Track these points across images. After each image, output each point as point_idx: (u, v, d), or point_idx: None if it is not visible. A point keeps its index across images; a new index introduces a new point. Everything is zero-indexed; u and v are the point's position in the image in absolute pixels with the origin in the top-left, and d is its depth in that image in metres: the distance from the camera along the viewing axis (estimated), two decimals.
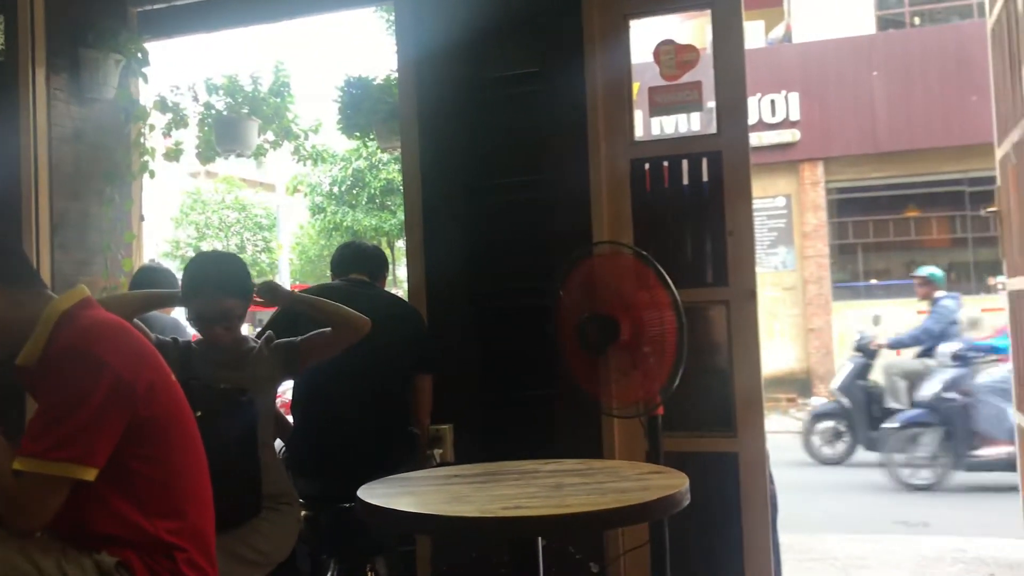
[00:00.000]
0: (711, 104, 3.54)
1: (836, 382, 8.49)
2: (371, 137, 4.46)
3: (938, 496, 6.88)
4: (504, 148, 3.60)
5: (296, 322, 2.98)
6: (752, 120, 13.52)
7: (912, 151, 13.19)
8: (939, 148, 12.90)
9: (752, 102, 13.57)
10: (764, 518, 3.33)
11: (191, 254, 21.24)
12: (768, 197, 13.86)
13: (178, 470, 1.94)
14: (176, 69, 5.93)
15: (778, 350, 13.32)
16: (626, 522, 2.59)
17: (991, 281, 10.48)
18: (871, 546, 5.00)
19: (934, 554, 4.81)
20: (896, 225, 14.28)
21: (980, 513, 6.17)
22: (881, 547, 4.98)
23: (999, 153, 4.15)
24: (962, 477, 7.02)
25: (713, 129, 3.49)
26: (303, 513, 2.86)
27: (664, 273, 2.79)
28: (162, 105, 4.47)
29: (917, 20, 14.79)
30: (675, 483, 2.02)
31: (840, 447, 8.35)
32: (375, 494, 2.01)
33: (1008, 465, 6.08)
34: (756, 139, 13.47)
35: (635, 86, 3.89)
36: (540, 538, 2.03)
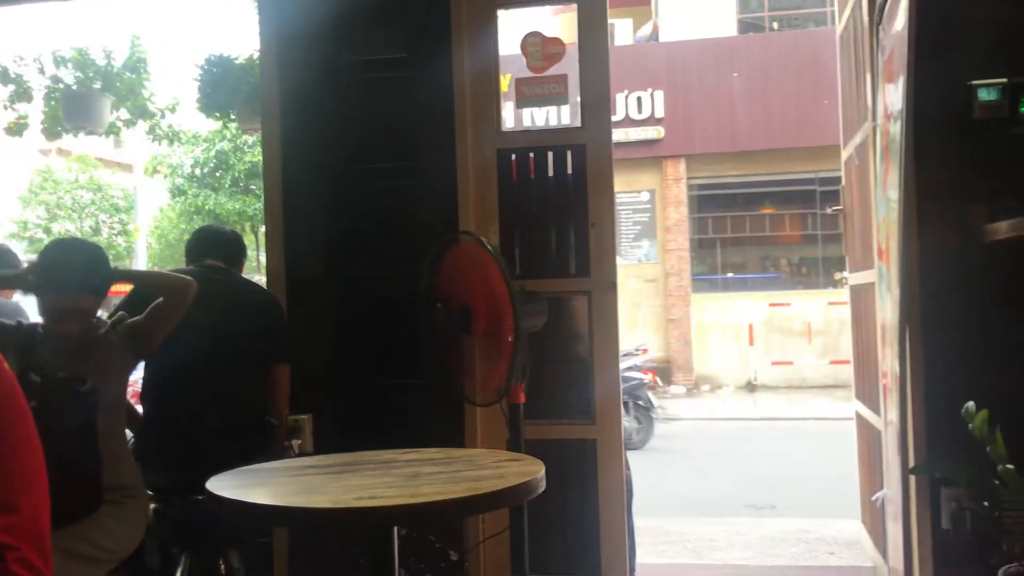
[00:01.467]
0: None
1: None
2: (231, 118, 4.33)
3: (786, 480, 7.25)
4: (370, 133, 3.55)
5: (150, 301, 2.86)
6: (619, 116, 13.84)
7: (768, 151, 13.79)
8: (793, 148, 13.54)
9: (620, 98, 13.89)
10: (620, 503, 3.43)
11: (40, 236, 20.07)
12: (633, 191, 14.22)
13: (8, 462, 1.82)
14: (20, 39, 5.58)
15: (640, 339, 13.69)
16: (480, 510, 2.61)
17: (837, 276, 11.06)
18: (722, 528, 5.21)
19: (780, 535, 5.05)
20: (752, 221, 14.89)
21: (824, 496, 6.52)
22: (732, 529, 5.20)
23: (844, 155, 4.38)
24: None
25: (579, 123, 3.55)
26: (152, 506, 2.76)
27: (502, 263, 2.78)
28: (3, 76, 4.20)
29: (776, 25, 15.44)
30: (531, 470, 2.04)
31: None
32: (224, 486, 1.95)
33: None
34: (623, 135, 13.79)
35: (507, 77, 3.91)
36: (396, 528, 2.02)
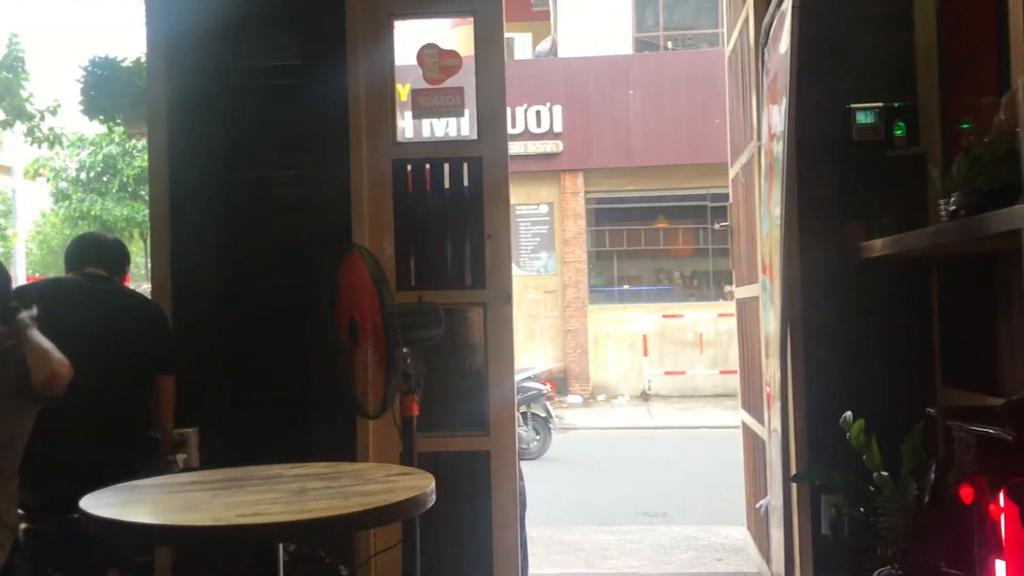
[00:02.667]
0: None
1: None
2: (117, 121, 4.18)
3: (677, 488, 7.40)
4: (262, 141, 3.49)
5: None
6: (519, 129, 13.96)
7: (663, 167, 14.11)
8: (686, 165, 13.88)
9: (519, 112, 14.00)
10: (513, 514, 3.44)
11: None
12: (532, 204, 14.35)
13: None
14: None
15: (538, 350, 13.81)
16: (368, 525, 2.58)
17: (726, 289, 11.42)
18: (615, 537, 5.28)
19: (671, 543, 5.16)
20: (647, 235, 15.19)
21: (713, 503, 6.68)
22: (624, 537, 5.27)
23: (732, 173, 4.52)
24: None
25: (475, 135, 3.56)
26: (23, 526, 2.63)
27: (376, 275, 2.75)
28: None
29: (670, 44, 15.83)
30: (420, 484, 2.03)
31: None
32: (101, 503, 1.88)
33: None
34: (522, 148, 13.90)
35: (406, 87, 3.90)
36: (281, 544, 1.98)
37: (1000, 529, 2.32)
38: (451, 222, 3.56)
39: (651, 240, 15.22)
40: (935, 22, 3.42)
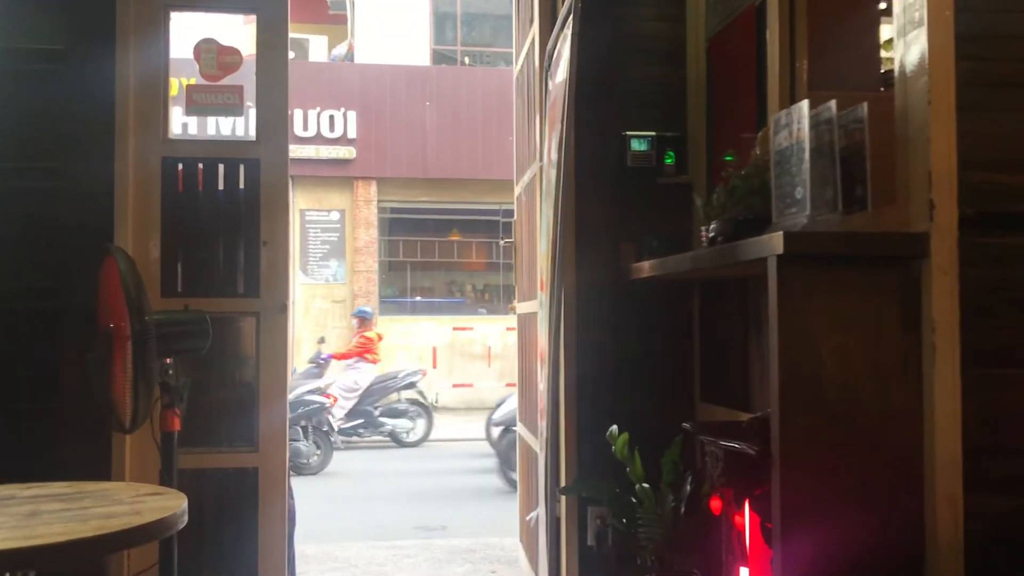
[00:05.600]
0: None
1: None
2: None
3: (458, 501, 7.44)
4: (15, 128, 3.19)
5: None
6: (311, 132, 13.66)
7: (457, 180, 14.25)
8: (480, 180, 14.09)
9: (312, 115, 13.71)
10: (282, 532, 3.31)
11: None
12: (323, 210, 14.07)
13: None
14: None
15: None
16: (107, 551, 2.39)
17: (510, 305, 11.70)
18: (391, 551, 5.23)
19: (446, 556, 5.17)
20: (441, 247, 15.29)
21: (494, 514, 6.76)
22: (400, 552, 5.23)
23: (517, 191, 4.61)
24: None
25: (253, 135, 3.43)
26: None
27: (128, 280, 2.57)
28: None
29: (468, 60, 16.04)
30: (171, 505, 1.90)
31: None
32: None
33: None
34: (313, 152, 13.61)
35: (183, 81, 3.69)
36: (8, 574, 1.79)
37: (744, 538, 2.48)
38: (225, 226, 3.39)
39: (444, 252, 15.32)
40: (704, 60, 3.64)
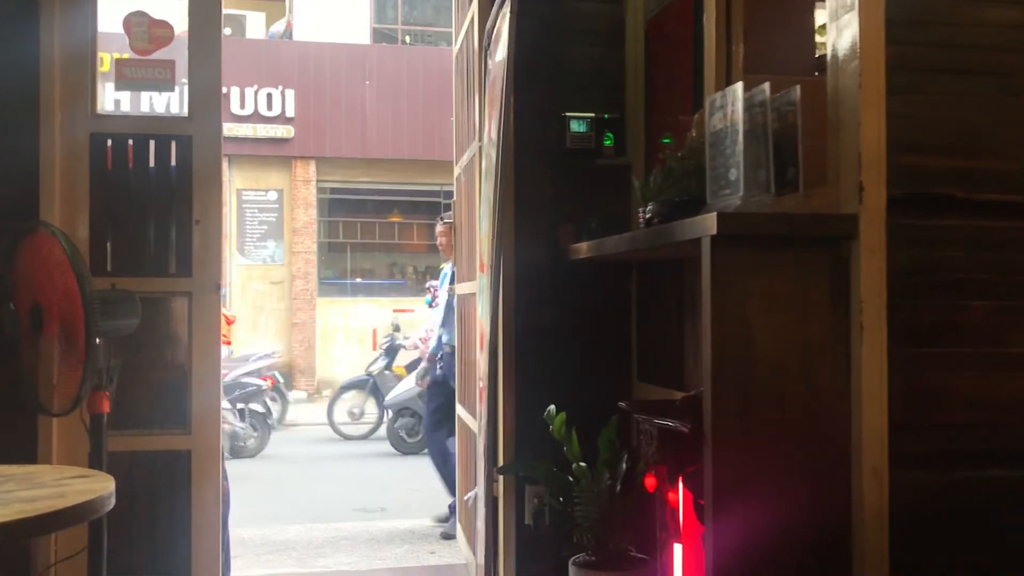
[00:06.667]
0: None
1: None
2: None
3: (398, 483, 7.43)
4: None
5: None
6: (248, 111, 13.42)
7: (398, 160, 14.13)
8: (421, 160, 13.99)
9: (249, 93, 13.46)
10: (216, 515, 3.27)
11: None
12: (260, 190, 13.84)
13: None
14: None
15: (262, 343, 13.33)
16: (29, 535, 2.32)
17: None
18: (329, 534, 5.20)
19: (386, 537, 5.16)
20: (382, 228, 15.16)
21: (434, 496, 6.76)
22: (339, 534, 5.20)
23: (456, 171, 4.59)
24: None
25: (186, 113, 3.35)
26: None
27: (77, 260, 2.51)
28: None
29: (408, 39, 15.89)
30: (97, 487, 1.86)
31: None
32: None
33: None
34: (251, 130, 13.38)
35: (116, 56, 3.60)
36: None
37: (678, 515, 2.51)
38: (156, 204, 3.31)
39: (385, 234, 15.20)
40: (643, 42, 3.65)
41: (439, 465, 5.48)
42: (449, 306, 5.37)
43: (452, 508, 5.14)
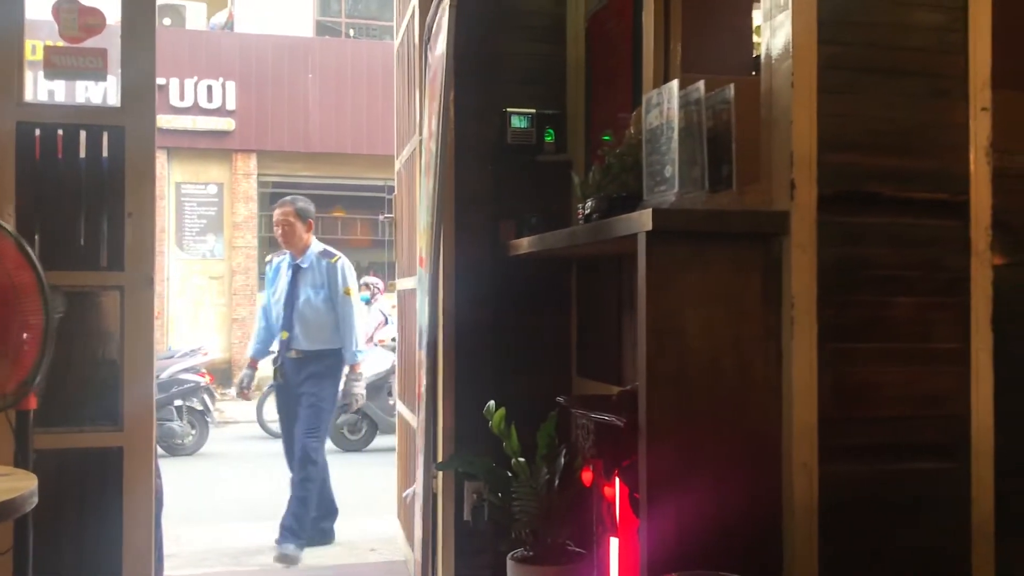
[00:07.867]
0: None
1: None
2: None
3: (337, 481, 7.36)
4: None
5: None
6: (188, 103, 13.17)
7: (341, 154, 13.99)
8: (364, 155, 13.87)
9: (189, 84, 13.22)
10: (148, 513, 3.20)
11: None
12: (200, 183, 13.60)
13: None
14: None
15: (202, 339, 13.10)
16: None
17: (390, 282, 11.62)
18: (266, 532, 5.12)
19: None
20: (325, 223, 15.00)
21: (374, 493, 6.71)
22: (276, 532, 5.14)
23: (397, 166, 4.56)
24: None
25: (118, 103, 3.27)
26: None
27: (31, 252, 2.48)
28: None
29: (352, 32, 15.74)
30: (18, 486, 1.81)
31: None
32: None
33: None
34: (190, 122, 13.14)
35: (48, 44, 3.50)
36: None
37: (614, 509, 2.53)
38: (86, 196, 3.23)
39: (329, 229, 15.04)
40: (584, 39, 3.67)
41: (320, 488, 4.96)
42: (290, 302, 4.96)
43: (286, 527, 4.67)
